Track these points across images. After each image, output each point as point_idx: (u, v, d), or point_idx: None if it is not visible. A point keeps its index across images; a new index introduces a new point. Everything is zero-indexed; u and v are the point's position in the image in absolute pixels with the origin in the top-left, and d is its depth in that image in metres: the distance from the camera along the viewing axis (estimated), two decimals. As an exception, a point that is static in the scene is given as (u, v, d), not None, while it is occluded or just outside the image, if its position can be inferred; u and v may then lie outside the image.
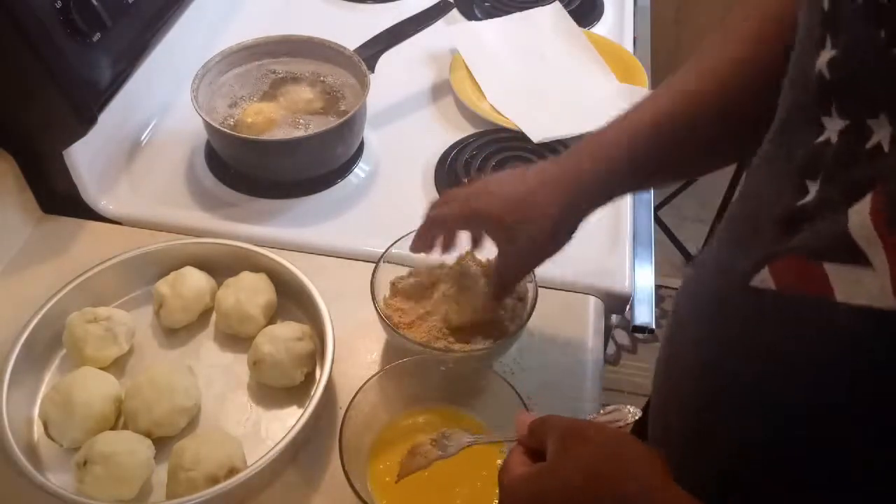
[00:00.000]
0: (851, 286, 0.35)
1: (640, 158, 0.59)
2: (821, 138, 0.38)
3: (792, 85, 0.43)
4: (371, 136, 0.99)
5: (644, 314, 0.85)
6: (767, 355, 0.43)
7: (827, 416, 0.39)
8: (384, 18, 1.03)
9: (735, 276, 0.44)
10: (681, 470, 0.43)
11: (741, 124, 0.58)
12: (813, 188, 0.39)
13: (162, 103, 1.00)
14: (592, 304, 0.81)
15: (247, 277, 0.75)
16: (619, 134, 0.60)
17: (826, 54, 0.37)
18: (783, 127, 0.43)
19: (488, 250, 0.70)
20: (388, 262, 0.72)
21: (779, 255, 0.41)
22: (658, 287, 2.18)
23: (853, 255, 0.35)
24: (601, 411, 0.54)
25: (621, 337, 2.02)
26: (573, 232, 0.64)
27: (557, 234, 0.63)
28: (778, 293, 0.41)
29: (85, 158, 0.84)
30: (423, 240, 0.68)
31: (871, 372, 0.36)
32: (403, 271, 0.75)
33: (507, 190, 0.62)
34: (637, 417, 0.53)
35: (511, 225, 0.62)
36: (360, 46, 0.97)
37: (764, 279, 0.41)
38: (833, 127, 0.37)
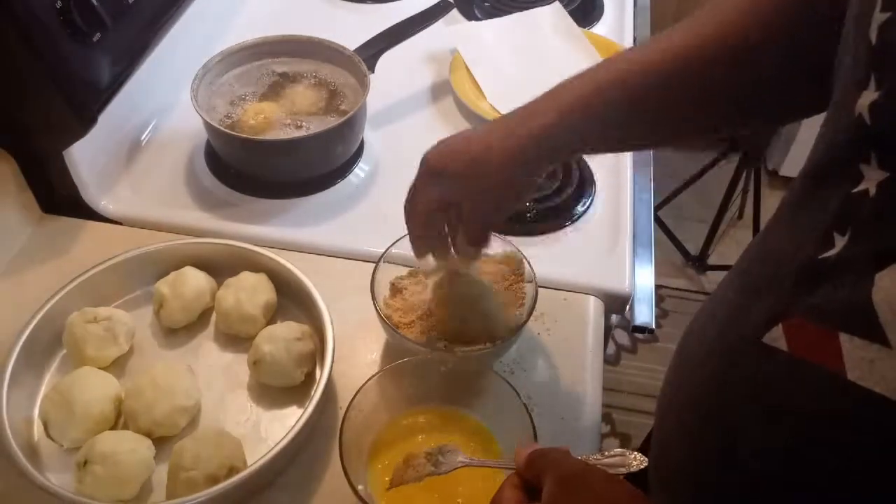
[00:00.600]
0: (865, 366, 0.33)
1: (597, 117, 0.57)
2: (858, 188, 0.34)
3: (830, 123, 0.39)
4: (371, 136, 0.99)
5: (644, 314, 0.85)
6: (771, 412, 0.41)
7: (829, 476, 0.38)
8: (384, 18, 1.03)
9: (747, 327, 0.42)
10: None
11: (715, 94, 0.56)
12: (840, 242, 0.35)
13: (162, 103, 1.00)
14: (592, 304, 0.81)
15: (247, 277, 0.75)
16: (578, 89, 0.58)
17: (868, 96, 0.34)
18: (816, 168, 0.40)
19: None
20: (388, 262, 0.72)
21: (794, 312, 0.38)
22: (658, 287, 2.19)
23: (871, 329, 0.32)
24: (606, 453, 0.52)
25: (621, 337, 2.02)
26: (534, 186, 0.62)
27: (519, 184, 0.62)
28: (790, 355, 0.38)
29: (85, 158, 0.84)
30: (419, 243, 0.66)
31: (875, 452, 0.34)
32: (403, 271, 0.75)
33: (465, 147, 0.61)
34: (643, 467, 0.50)
35: (471, 178, 0.60)
36: (360, 46, 0.97)
37: (776, 338, 0.39)
38: (872, 177, 0.34)
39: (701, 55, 0.54)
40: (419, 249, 0.67)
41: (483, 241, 0.66)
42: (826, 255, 0.36)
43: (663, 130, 0.62)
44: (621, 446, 1.01)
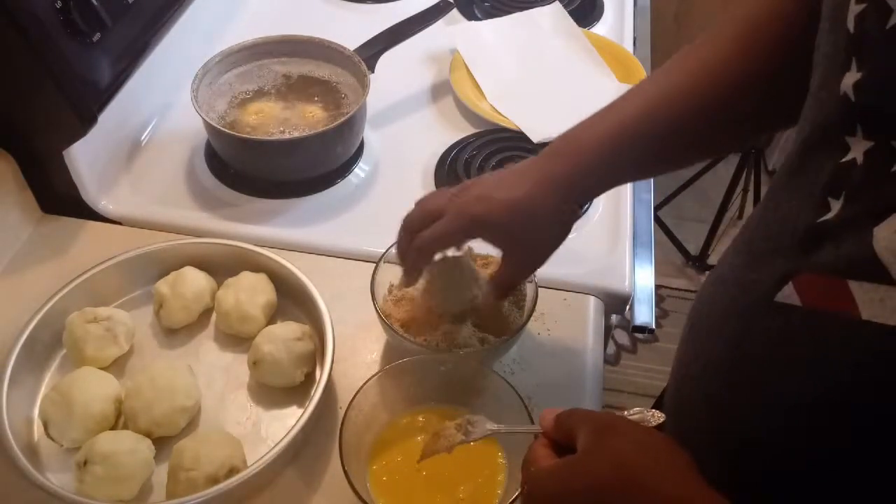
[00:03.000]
0: (876, 305, 0.36)
1: (628, 153, 0.59)
2: (846, 158, 0.38)
3: (814, 104, 0.43)
4: (371, 136, 0.99)
5: (644, 314, 0.85)
6: (792, 368, 0.43)
7: (850, 428, 0.39)
8: (384, 18, 1.03)
9: (758, 290, 0.44)
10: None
11: (725, 121, 0.59)
12: (836, 205, 0.39)
13: (162, 103, 1.00)
14: (592, 304, 0.81)
15: (247, 277, 0.75)
16: (607, 127, 0.60)
17: (851, 76, 0.37)
18: (806, 144, 0.43)
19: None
20: (388, 262, 0.72)
21: (802, 270, 0.41)
22: (658, 287, 2.19)
23: (878, 274, 0.35)
24: (626, 413, 0.53)
25: (621, 337, 2.02)
26: (570, 227, 0.64)
27: (559, 232, 0.63)
28: (804, 309, 0.41)
29: (85, 158, 0.84)
30: (413, 274, 0.67)
31: (894, 383, 0.36)
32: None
33: (503, 196, 0.61)
34: (661, 421, 0.52)
35: (515, 232, 0.61)
36: (360, 46, 0.97)
37: (788, 294, 0.42)
38: (859, 147, 0.38)
39: (724, 80, 0.57)
40: (412, 279, 0.68)
41: (511, 291, 0.69)
42: (824, 218, 0.40)
43: (690, 154, 0.64)
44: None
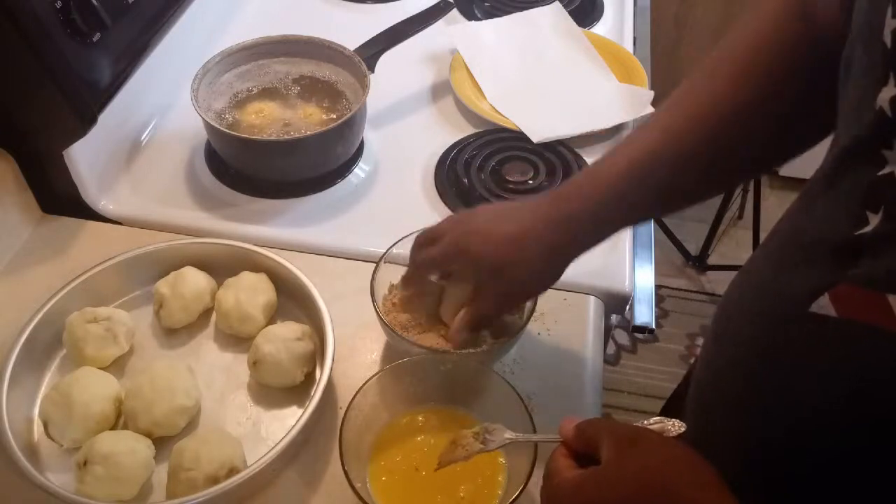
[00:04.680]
0: None
1: (628, 198, 0.59)
2: (883, 171, 0.38)
3: (848, 119, 0.43)
4: (371, 136, 0.99)
5: (644, 314, 0.85)
6: (824, 376, 0.42)
7: (876, 434, 0.40)
8: (384, 18, 1.03)
9: (791, 300, 0.44)
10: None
11: (728, 159, 0.59)
12: (874, 219, 0.39)
13: (162, 103, 1.00)
14: (592, 303, 0.81)
15: (247, 277, 0.75)
16: (607, 173, 0.60)
17: (889, 91, 0.37)
18: (841, 158, 0.43)
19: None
20: (388, 262, 0.72)
21: (837, 283, 0.41)
22: (658, 287, 2.19)
23: None
24: (645, 423, 0.53)
25: (621, 337, 2.02)
26: (560, 275, 0.64)
27: (546, 275, 0.63)
28: (839, 319, 0.41)
29: (85, 158, 0.84)
30: (412, 283, 0.70)
31: None
32: (403, 271, 0.75)
33: (497, 229, 0.61)
34: (682, 431, 0.51)
35: (501, 266, 0.61)
36: (360, 46, 0.97)
37: (823, 306, 0.41)
38: None
39: (727, 109, 0.56)
40: (408, 289, 0.70)
41: (486, 324, 0.68)
42: (862, 231, 0.39)
43: (702, 189, 0.64)
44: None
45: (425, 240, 0.67)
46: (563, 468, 0.48)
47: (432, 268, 0.68)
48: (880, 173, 0.38)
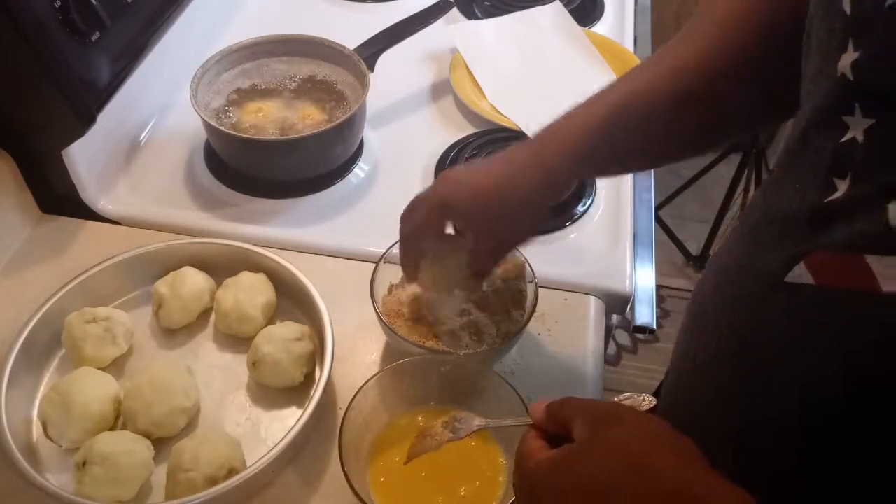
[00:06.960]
0: None
1: (605, 143, 0.60)
2: (846, 137, 0.38)
3: (811, 88, 0.43)
4: (371, 136, 0.99)
5: (644, 314, 0.85)
6: (806, 347, 0.42)
7: (866, 402, 0.39)
8: (384, 17, 1.03)
9: (767, 274, 0.44)
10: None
11: (698, 121, 0.60)
12: (842, 185, 0.39)
13: (161, 103, 1.00)
14: (593, 304, 0.81)
15: (246, 277, 0.75)
16: (580, 123, 0.61)
17: (848, 57, 0.38)
18: (805, 130, 0.43)
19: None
20: (388, 262, 0.72)
21: (812, 251, 0.41)
22: (658, 287, 2.18)
23: None
24: (617, 399, 0.53)
25: (622, 337, 2.02)
26: (543, 219, 0.65)
27: (528, 224, 0.64)
28: (817, 286, 0.41)
29: (84, 158, 0.84)
30: (410, 265, 0.68)
31: None
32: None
33: (475, 178, 0.62)
34: (652, 405, 0.52)
35: (480, 210, 0.62)
36: (360, 46, 0.97)
37: (800, 274, 0.41)
38: (858, 126, 0.38)
39: (702, 72, 0.57)
40: (408, 272, 0.69)
41: (488, 273, 0.69)
42: (831, 198, 0.39)
43: (672, 148, 0.64)
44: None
45: (407, 211, 0.67)
46: (536, 450, 0.48)
47: (420, 231, 0.67)
48: (843, 139, 0.38)
